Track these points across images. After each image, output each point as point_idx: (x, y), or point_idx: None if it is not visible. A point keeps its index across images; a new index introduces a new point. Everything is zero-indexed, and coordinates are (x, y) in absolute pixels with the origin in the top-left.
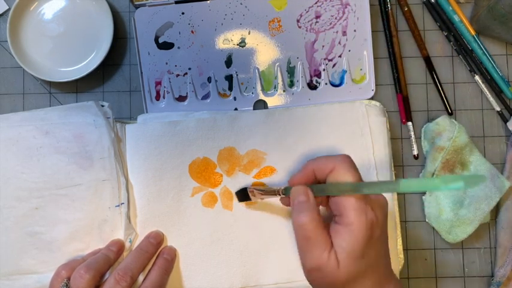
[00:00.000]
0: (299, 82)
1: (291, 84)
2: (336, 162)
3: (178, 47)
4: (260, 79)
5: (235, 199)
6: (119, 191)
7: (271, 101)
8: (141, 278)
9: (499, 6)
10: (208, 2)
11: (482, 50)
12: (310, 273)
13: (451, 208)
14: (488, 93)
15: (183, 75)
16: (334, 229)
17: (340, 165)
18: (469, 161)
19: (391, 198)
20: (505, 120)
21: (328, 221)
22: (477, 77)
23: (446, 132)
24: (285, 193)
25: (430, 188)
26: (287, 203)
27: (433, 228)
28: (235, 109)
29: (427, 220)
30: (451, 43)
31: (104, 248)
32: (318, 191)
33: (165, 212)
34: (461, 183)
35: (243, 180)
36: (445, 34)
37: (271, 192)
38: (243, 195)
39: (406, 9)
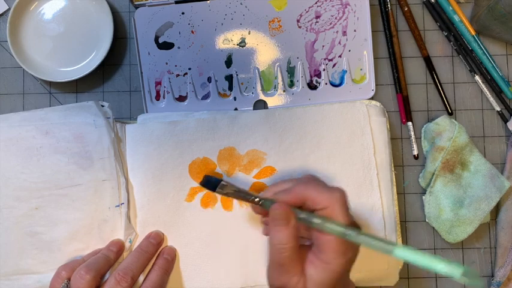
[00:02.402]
0: (299, 82)
1: (291, 84)
2: (331, 200)
3: (178, 47)
4: (260, 79)
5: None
6: (119, 191)
7: (271, 101)
8: (141, 278)
9: (499, 6)
10: (208, 2)
11: (482, 50)
12: None
13: (451, 208)
14: (488, 93)
15: (183, 75)
16: (310, 258)
17: (335, 206)
18: (469, 161)
19: (390, 198)
20: (505, 120)
21: (303, 241)
22: (477, 77)
23: (446, 132)
24: (262, 205)
25: (425, 264)
26: (259, 212)
27: (433, 228)
28: (235, 109)
29: (427, 220)
30: (451, 43)
31: (104, 248)
32: (302, 220)
33: (165, 212)
34: (459, 272)
35: (243, 180)
36: (445, 34)
37: (245, 195)
38: (212, 184)
39: (406, 9)
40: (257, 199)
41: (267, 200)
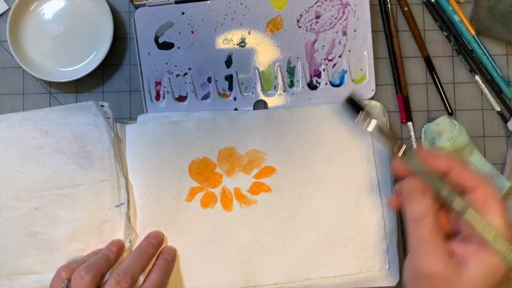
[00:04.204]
0: (299, 82)
1: (291, 84)
2: (482, 182)
3: (178, 47)
4: (260, 79)
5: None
6: (119, 191)
7: (271, 101)
8: (141, 278)
9: (499, 6)
10: (208, 2)
11: (482, 50)
12: (415, 280)
13: None
14: (488, 93)
15: (183, 75)
16: (464, 245)
17: (488, 191)
18: (469, 161)
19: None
20: (505, 120)
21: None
22: (477, 77)
23: (446, 132)
24: (403, 153)
25: None
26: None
27: None
28: (235, 109)
29: None
30: (451, 43)
31: (104, 249)
32: (443, 197)
33: (165, 212)
34: None
35: (243, 180)
36: (445, 34)
37: (390, 139)
38: (354, 108)
39: (406, 9)
40: (402, 148)
41: (409, 154)
